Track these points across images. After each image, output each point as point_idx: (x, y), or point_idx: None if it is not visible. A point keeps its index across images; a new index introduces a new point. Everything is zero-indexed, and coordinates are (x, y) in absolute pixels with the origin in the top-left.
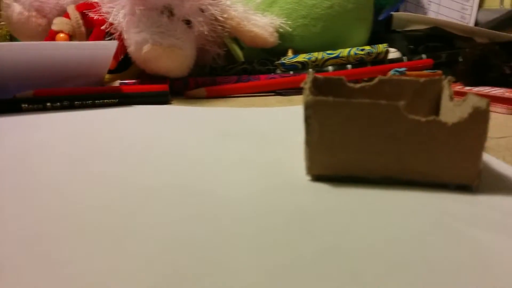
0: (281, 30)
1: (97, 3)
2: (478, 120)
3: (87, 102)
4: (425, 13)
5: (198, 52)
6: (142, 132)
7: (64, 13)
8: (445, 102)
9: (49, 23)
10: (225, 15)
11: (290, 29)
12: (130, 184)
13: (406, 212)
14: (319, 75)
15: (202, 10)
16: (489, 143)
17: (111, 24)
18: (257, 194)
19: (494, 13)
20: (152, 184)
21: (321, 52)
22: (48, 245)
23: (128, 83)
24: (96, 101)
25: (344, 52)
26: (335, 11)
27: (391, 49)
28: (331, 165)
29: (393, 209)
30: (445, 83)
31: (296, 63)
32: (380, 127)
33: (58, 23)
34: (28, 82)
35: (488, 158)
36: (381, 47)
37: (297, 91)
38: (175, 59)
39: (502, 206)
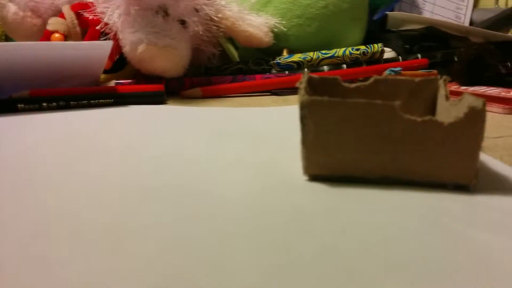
0: (276, 30)
1: (92, 3)
2: (475, 120)
3: (83, 102)
4: (420, 13)
5: (193, 52)
6: (137, 132)
7: (59, 13)
8: (441, 102)
9: (44, 23)
10: (219, 15)
11: (285, 29)
12: (125, 184)
13: (404, 212)
14: (315, 75)
15: (197, 10)
16: (486, 143)
17: (106, 24)
18: (254, 194)
19: (489, 12)
20: (148, 184)
21: (316, 52)
22: (45, 246)
23: (124, 83)
24: (92, 101)
25: (339, 51)
26: (329, 11)
27: (386, 49)
28: (327, 165)
29: (391, 209)
30: (440, 82)
31: (291, 63)
32: (375, 127)
33: (53, 23)
34: (23, 83)
35: (485, 158)
36: (377, 46)
37: (292, 90)
38: (170, 59)
39: (500, 206)
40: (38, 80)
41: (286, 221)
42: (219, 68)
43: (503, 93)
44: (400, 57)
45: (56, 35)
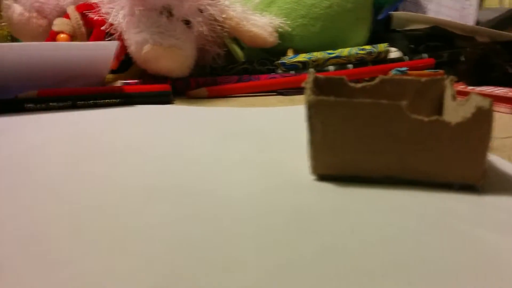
0: (280, 30)
1: (96, 3)
2: (482, 120)
3: (90, 102)
4: (424, 13)
5: (199, 52)
6: (144, 132)
7: (64, 14)
8: (448, 102)
9: (50, 24)
10: (224, 15)
11: (290, 29)
12: (130, 183)
13: (410, 212)
14: (320, 75)
15: (201, 11)
16: (494, 143)
17: (111, 24)
18: (260, 194)
19: (494, 12)
20: (153, 184)
21: (322, 52)
22: (46, 245)
23: (131, 83)
24: (99, 101)
25: (344, 51)
26: (334, 11)
27: (392, 49)
28: (334, 165)
29: (397, 209)
30: (447, 82)
31: (296, 63)
32: (382, 126)
33: (59, 24)
34: (30, 83)
35: (493, 158)
36: (382, 46)
37: (298, 90)
38: (175, 59)
39: (508, 206)
40: (44, 80)
41: (293, 220)
42: (225, 68)
43: (510, 93)
44: (406, 57)
45: (62, 35)
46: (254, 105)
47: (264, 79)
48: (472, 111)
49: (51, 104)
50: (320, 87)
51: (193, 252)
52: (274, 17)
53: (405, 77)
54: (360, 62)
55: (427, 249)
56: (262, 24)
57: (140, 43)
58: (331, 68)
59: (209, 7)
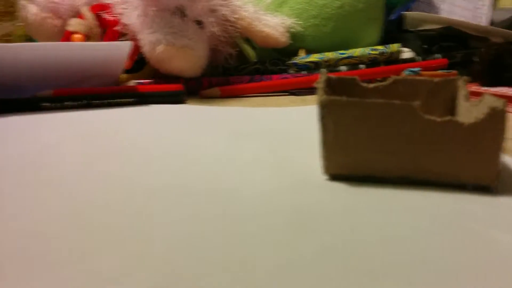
0: (292, 30)
1: (110, 4)
2: (495, 120)
3: (105, 101)
4: (437, 13)
5: (211, 53)
6: (157, 131)
7: (79, 14)
8: (461, 103)
9: (65, 24)
10: (236, 16)
11: (301, 29)
12: (142, 182)
13: (423, 212)
14: (332, 75)
15: (213, 11)
16: (508, 144)
17: (125, 24)
18: (273, 193)
19: (508, 12)
20: (164, 183)
21: (334, 52)
22: (49, 244)
23: (144, 83)
24: (114, 101)
25: (356, 52)
26: (345, 11)
27: (405, 49)
28: (347, 165)
29: (410, 209)
30: (460, 83)
31: (308, 63)
32: (394, 127)
33: (74, 24)
34: (45, 83)
35: (507, 159)
36: (395, 47)
37: (310, 91)
38: (188, 59)
39: None
40: (58, 80)
41: (303, 219)
42: (237, 68)
43: None
44: (418, 57)
45: (76, 35)
46: (266, 105)
47: (276, 79)
48: (486, 112)
49: (66, 103)
50: (332, 87)
51: (207, 250)
52: (285, 18)
53: (417, 77)
54: (372, 62)
55: (440, 249)
56: (274, 24)
57: (154, 43)
58: (343, 68)
59: (221, 8)
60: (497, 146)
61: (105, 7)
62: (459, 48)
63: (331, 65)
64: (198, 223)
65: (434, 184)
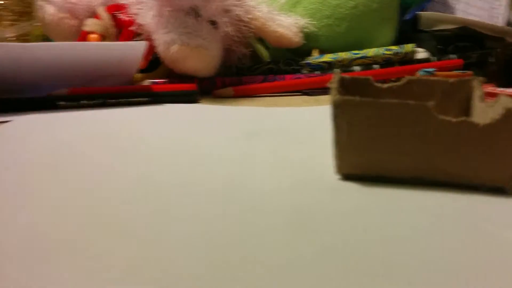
0: (305, 30)
1: (126, 4)
2: (511, 121)
3: (120, 100)
4: (452, 13)
5: (225, 53)
6: (171, 130)
7: (95, 15)
8: (476, 103)
9: (81, 24)
10: (249, 16)
11: (315, 29)
12: (155, 180)
13: (437, 213)
14: (346, 75)
15: (227, 11)
16: None
17: (140, 25)
18: (285, 192)
19: None
20: (175, 180)
21: (348, 52)
22: (63, 240)
23: (158, 82)
24: (128, 100)
25: (370, 52)
26: (359, 11)
27: (419, 49)
28: (360, 165)
29: (423, 210)
30: (475, 83)
31: (322, 63)
32: (408, 127)
33: (90, 24)
34: (60, 82)
35: None
36: (409, 47)
37: (323, 91)
38: (202, 59)
39: None
40: (74, 79)
41: (313, 219)
42: (250, 68)
43: None
44: (433, 57)
45: (93, 35)
46: (279, 105)
47: (289, 79)
48: (501, 113)
49: (82, 102)
50: (346, 87)
51: (226, 246)
52: (299, 18)
53: (432, 77)
54: (386, 62)
55: (454, 251)
56: (288, 24)
57: (168, 43)
58: (356, 68)
59: (235, 8)
60: None
61: (120, 8)
62: (474, 48)
63: (345, 65)
64: (210, 221)
65: (448, 185)
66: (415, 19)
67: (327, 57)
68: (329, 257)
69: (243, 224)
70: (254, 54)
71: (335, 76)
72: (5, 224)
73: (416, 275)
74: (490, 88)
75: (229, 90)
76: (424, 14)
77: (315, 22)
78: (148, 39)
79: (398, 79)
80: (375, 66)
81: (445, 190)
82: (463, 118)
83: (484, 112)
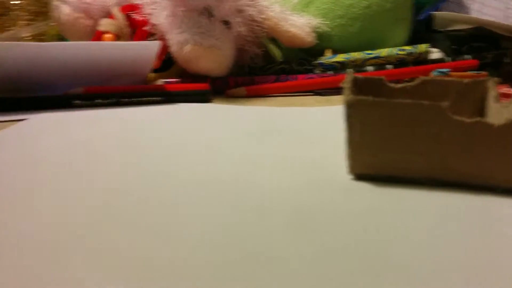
0: (318, 30)
1: (140, 4)
2: None
3: (134, 99)
4: (467, 13)
5: (237, 52)
6: (184, 129)
7: (110, 15)
8: (491, 104)
9: (96, 24)
10: (262, 16)
11: (328, 29)
12: (167, 178)
13: (451, 214)
14: (359, 75)
15: (240, 11)
16: None
17: (154, 24)
18: (297, 191)
19: None
20: (191, 180)
21: (361, 52)
22: (78, 236)
23: (171, 82)
24: (142, 99)
25: (384, 52)
26: (372, 11)
27: (433, 50)
28: (373, 165)
29: (437, 211)
30: (490, 84)
31: (335, 63)
32: (422, 127)
33: (105, 24)
34: (75, 81)
35: None
36: (423, 47)
37: (336, 91)
38: (215, 59)
39: None
40: (89, 78)
41: (326, 218)
42: (263, 68)
43: None
44: (448, 58)
45: (107, 35)
46: (291, 105)
47: (302, 79)
48: None
49: (96, 101)
50: (359, 87)
51: (237, 243)
52: (312, 18)
53: (446, 78)
54: (400, 63)
55: (468, 253)
56: (301, 24)
57: (181, 43)
58: (370, 68)
59: (248, 8)
60: None
61: (135, 8)
62: (489, 48)
63: (358, 65)
64: (223, 219)
65: (462, 186)
66: (429, 19)
67: (340, 57)
68: (341, 257)
69: (253, 224)
70: (266, 54)
71: (348, 76)
72: (21, 221)
73: (430, 277)
74: (505, 89)
75: (242, 89)
76: (438, 14)
77: (328, 22)
78: (162, 39)
79: (411, 80)
80: (388, 66)
81: (459, 191)
82: (477, 119)
83: (499, 112)
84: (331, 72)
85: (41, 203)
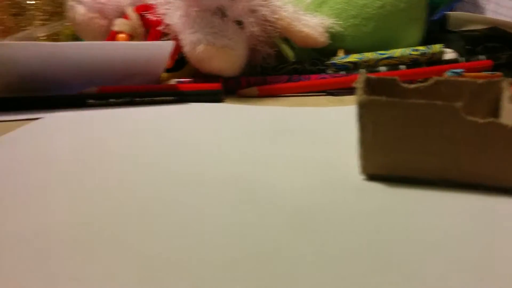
0: (331, 30)
1: (154, 5)
2: None
3: (147, 99)
4: (482, 13)
5: (250, 52)
6: (196, 129)
7: (124, 15)
8: (505, 105)
9: (111, 24)
10: (275, 16)
11: (341, 29)
12: (179, 177)
13: (464, 216)
14: (372, 75)
15: (253, 11)
16: None
17: (167, 24)
18: (309, 191)
19: None
20: (204, 180)
21: (373, 52)
22: (94, 234)
23: (184, 82)
24: (155, 98)
25: (397, 52)
26: (386, 11)
27: (447, 50)
28: (385, 165)
29: (450, 212)
30: (504, 84)
31: (347, 63)
32: (436, 128)
33: (119, 24)
34: (89, 81)
35: None
36: (437, 47)
37: (348, 91)
38: (227, 59)
39: None
40: (102, 78)
41: (339, 218)
42: (275, 68)
43: None
44: (462, 58)
45: (121, 35)
46: (304, 105)
47: (314, 79)
48: None
49: (110, 100)
50: (371, 87)
51: (247, 241)
52: (325, 18)
53: (460, 78)
54: (413, 63)
55: (481, 253)
56: (313, 24)
57: (194, 43)
58: (382, 68)
59: (261, 8)
60: None
61: (149, 8)
62: (504, 49)
63: (371, 66)
64: (236, 218)
65: (476, 187)
66: (443, 19)
67: (353, 57)
68: (353, 257)
69: (264, 224)
70: (279, 54)
71: (361, 76)
72: (35, 218)
73: (443, 278)
74: None
75: (254, 89)
76: (452, 14)
77: (341, 22)
78: (175, 39)
79: (425, 80)
80: (401, 66)
81: (472, 192)
82: (491, 119)
83: None
84: (343, 72)
85: (54, 201)
